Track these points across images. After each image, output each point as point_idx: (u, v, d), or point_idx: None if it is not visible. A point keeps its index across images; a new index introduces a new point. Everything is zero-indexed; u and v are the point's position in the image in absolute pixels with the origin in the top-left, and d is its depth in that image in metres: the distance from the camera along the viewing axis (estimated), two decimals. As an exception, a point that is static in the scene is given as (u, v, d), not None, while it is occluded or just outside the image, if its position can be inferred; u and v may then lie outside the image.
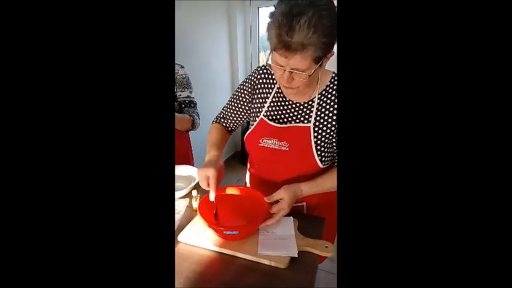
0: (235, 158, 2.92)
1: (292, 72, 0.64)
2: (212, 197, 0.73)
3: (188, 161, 1.27)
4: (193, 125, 1.13)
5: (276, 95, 0.81)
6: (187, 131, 1.14)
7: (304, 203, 0.87)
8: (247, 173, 0.99)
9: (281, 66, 0.64)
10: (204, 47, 2.20)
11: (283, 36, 0.58)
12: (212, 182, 0.72)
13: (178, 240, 0.71)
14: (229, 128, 0.95)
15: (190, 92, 1.14)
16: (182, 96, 1.13)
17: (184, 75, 1.13)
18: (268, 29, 0.62)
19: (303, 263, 0.64)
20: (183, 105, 1.14)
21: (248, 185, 0.98)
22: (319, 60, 0.63)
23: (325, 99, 0.76)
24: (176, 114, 1.06)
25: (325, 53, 0.63)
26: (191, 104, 1.14)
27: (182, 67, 1.15)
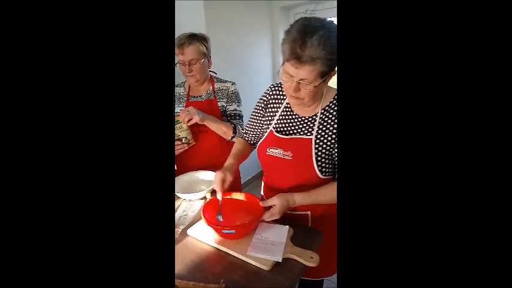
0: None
1: (299, 83, 0.73)
2: (218, 196, 0.86)
3: None
4: (235, 132, 1.20)
5: (284, 109, 0.91)
6: (230, 139, 1.22)
7: (309, 212, 0.92)
8: (262, 183, 1.08)
9: (291, 76, 0.73)
10: (246, 61, 2.36)
11: (296, 49, 0.68)
12: (218, 184, 0.86)
13: (188, 233, 0.84)
14: (251, 142, 1.07)
15: (237, 106, 1.27)
16: (230, 109, 1.27)
17: (234, 91, 1.28)
18: (283, 44, 0.72)
19: (286, 269, 0.70)
20: (230, 118, 1.27)
21: (262, 192, 1.07)
22: (324, 75, 0.71)
23: (327, 114, 0.83)
24: (219, 120, 1.19)
25: (330, 69, 0.71)
26: (236, 116, 1.27)
27: (233, 84, 1.30)
